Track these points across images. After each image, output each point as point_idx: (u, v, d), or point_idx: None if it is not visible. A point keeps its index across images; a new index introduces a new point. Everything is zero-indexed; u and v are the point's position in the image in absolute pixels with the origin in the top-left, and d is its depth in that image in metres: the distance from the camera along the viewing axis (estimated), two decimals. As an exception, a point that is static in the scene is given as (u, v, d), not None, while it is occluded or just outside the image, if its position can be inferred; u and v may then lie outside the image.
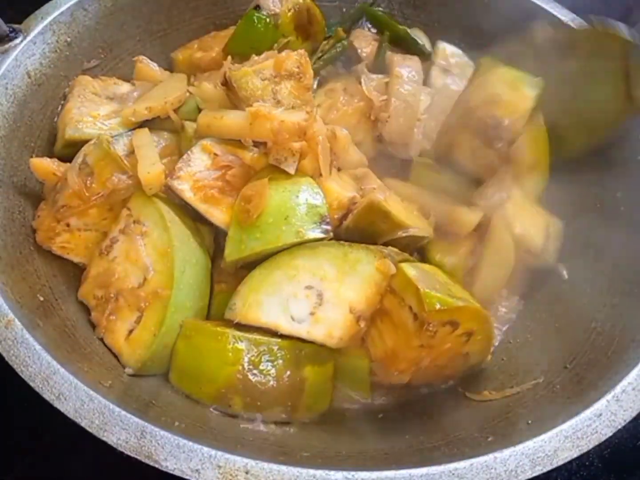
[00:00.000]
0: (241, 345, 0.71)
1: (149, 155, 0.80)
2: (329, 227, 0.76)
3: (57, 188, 0.82)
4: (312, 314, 0.72)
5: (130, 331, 0.74)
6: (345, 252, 0.75)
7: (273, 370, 0.71)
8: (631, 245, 0.84)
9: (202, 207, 0.78)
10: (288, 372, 0.71)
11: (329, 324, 0.72)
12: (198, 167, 0.79)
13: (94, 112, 0.89)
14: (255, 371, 0.70)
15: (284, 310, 0.73)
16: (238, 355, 0.70)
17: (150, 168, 0.78)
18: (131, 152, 0.83)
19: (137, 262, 0.76)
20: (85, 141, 0.84)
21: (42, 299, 0.75)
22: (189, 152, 0.80)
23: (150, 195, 0.79)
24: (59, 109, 0.93)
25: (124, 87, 0.96)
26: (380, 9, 1.17)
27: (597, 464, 0.85)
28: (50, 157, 0.86)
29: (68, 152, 0.86)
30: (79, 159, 0.81)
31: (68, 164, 0.84)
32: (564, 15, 1.02)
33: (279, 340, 0.72)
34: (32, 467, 0.81)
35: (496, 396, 0.77)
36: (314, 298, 0.73)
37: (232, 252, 0.76)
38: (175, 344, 0.74)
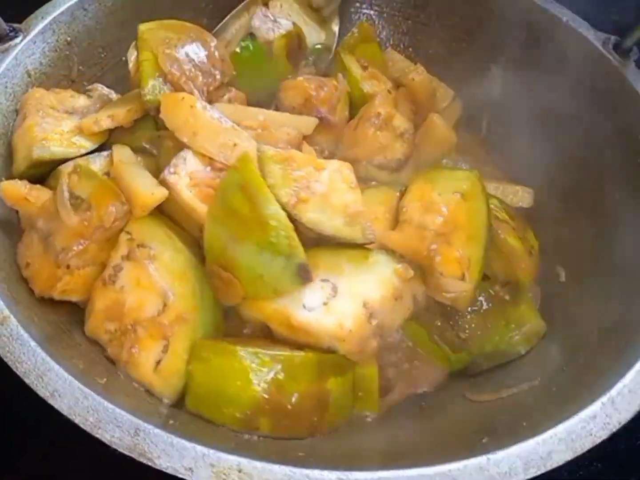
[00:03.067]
0: (264, 364, 0.68)
1: (145, 175, 0.77)
2: (309, 275, 0.70)
3: (42, 228, 0.76)
4: (324, 303, 0.71)
5: (158, 362, 0.71)
6: (366, 255, 0.74)
7: (298, 386, 0.69)
8: (628, 249, 0.83)
9: (199, 207, 0.74)
10: (313, 387, 0.70)
11: (340, 315, 0.70)
12: (194, 166, 0.77)
13: (57, 128, 0.85)
14: (280, 389, 0.68)
15: (296, 298, 0.71)
16: (262, 374, 0.68)
17: (154, 189, 0.75)
18: (105, 174, 0.80)
19: (151, 288, 0.73)
20: (53, 161, 0.82)
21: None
22: (183, 151, 0.77)
23: (141, 216, 0.75)
24: (12, 125, 0.88)
25: (81, 100, 0.93)
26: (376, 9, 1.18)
27: (596, 464, 0.84)
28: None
29: (31, 173, 0.83)
30: (64, 192, 0.74)
31: (38, 186, 0.80)
32: (564, 16, 1.01)
33: (301, 353, 0.70)
34: (31, 467, 0.81)
35: (492, 397, 0.76)
36: (329, 290, 0.72)
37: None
38: (190, 367, 0.70)
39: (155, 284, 0.73)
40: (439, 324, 0.81)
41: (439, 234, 0.77)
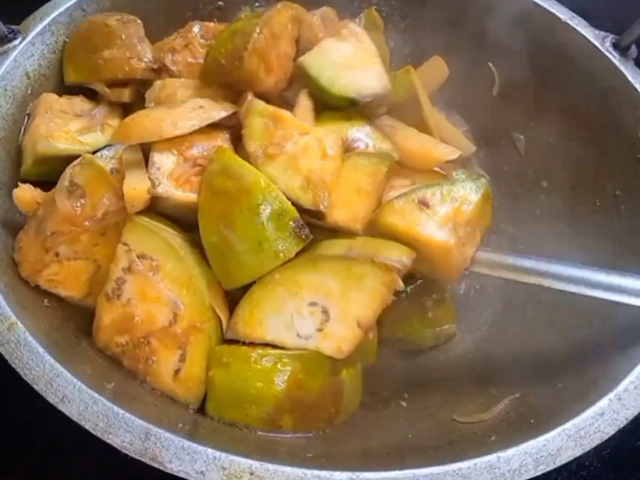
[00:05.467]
0: (283, 364, 0.69)
1: (137, 172, 0.76)
2: (307, 231, 0.71)
3: (39, 215, 0.75)
4: (319, 330, 0.71)
5: (177, 370, 0.72)
6: (349, 267, 0.71)
7: (316, 382, 0.71)
8: (630, 242, 0.84)
9: (195, 198, 0.74)
10: (329, 380, 0.72)
11: (337, 339, 0.71)
12: (168, 165, 0.76)
13: (64, 127, 0.85)
14: (300, 386, 0.69)
15: (288, 327, 0.71)
16: (281, 374, 0.69)
17: (137, 184, 0.74)
18: (113, 169, 0.79)
19: (159, 300, 0.72)
20: (59, 157, 0.81)
21: (45, 301, 0.75)
22: (150, 157, 0.77)
23: (132, 212, 0.74)
24: (23, 128, 0.87)
25: (91, 105, 0.93)
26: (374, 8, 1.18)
27: (596, 464, 0.85)
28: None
29: (37, 171, 0.83)
30: (65, 180, 0.75)
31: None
32: (563, 14, 1.02)
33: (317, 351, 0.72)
34: (32, 467, 0.81)
35: (485, 417, 0.74)
36: (319, 314, 0.71)
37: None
38: (210, 373, 0.71)
39: (163, 295, 0.72)
40: None
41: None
